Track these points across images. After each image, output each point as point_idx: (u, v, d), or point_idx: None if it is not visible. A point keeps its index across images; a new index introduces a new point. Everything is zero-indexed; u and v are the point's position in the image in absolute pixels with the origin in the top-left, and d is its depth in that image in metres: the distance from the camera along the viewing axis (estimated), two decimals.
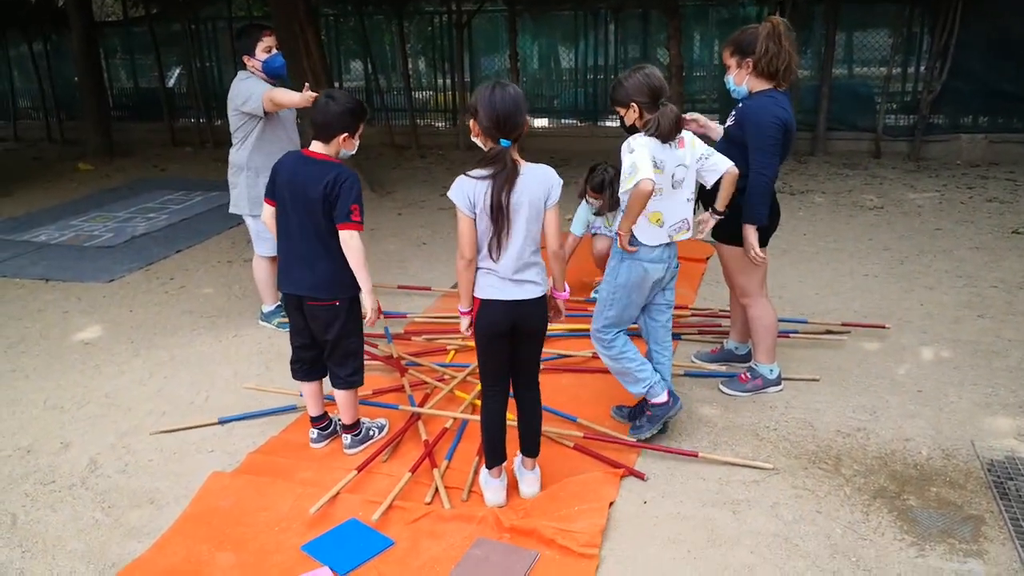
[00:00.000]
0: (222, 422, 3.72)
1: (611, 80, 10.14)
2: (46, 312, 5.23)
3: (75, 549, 2.87)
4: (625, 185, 3.03)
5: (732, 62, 3.54)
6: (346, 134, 3.14)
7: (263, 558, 2.79)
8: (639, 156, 3.01)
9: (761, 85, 3.49)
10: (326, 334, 3.23)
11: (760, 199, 3.48)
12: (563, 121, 11.03)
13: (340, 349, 3.27)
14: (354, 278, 3.14)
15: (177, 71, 12.37)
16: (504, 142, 2.66)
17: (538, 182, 2.74)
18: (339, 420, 3.47)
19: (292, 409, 3.79)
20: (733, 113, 3.60)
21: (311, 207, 3.07)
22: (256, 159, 4.50)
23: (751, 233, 3.51)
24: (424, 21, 11.15)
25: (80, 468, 3.40)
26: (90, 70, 10.74)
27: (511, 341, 2.86)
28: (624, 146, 3.09)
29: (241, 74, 4.43)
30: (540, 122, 11.05)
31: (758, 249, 3.52)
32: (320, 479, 3.19)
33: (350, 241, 3.08)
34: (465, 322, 2.90)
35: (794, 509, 2.98)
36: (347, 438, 3.41)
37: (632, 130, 3.17)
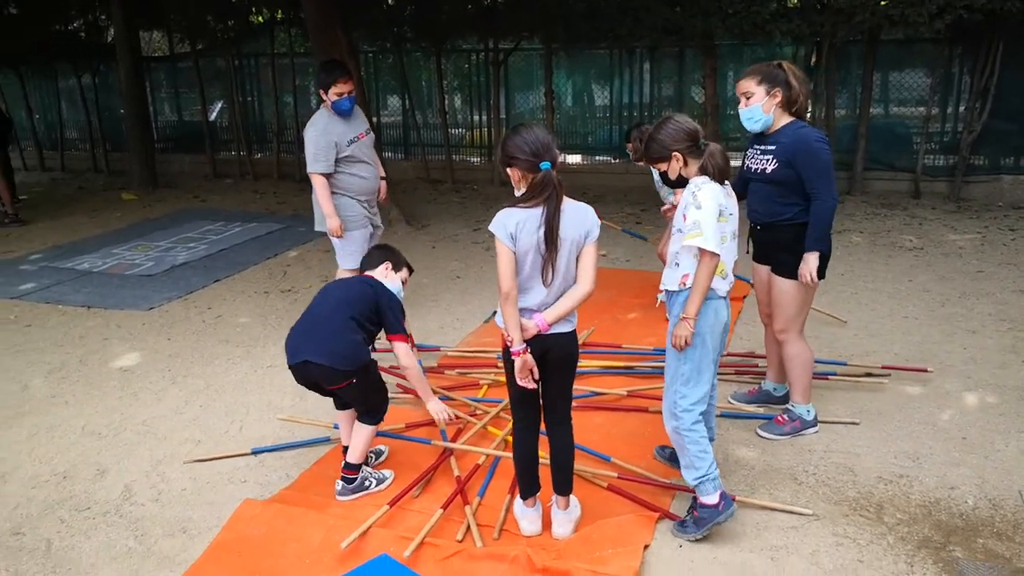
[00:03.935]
0: (255, 452, 3.73)
1: (641, 118, 10.19)
2: (87, 339, 5.32)
3: None
4: (685, 239, 2.92)
5: (760, 90, 3.46)
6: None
7: None
8: (706, 217, 2.86)
9: (786, 118, 3.50)
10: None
11: (826, 226, 3.50)
12: (597, 158, 11.07)
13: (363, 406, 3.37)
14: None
15: (219, 105, 12.64)
16: (545, 165, 2.67)
17: (578, 220, 2.75)
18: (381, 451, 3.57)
19: (326, 441, 3.80)
20: (762, 156, 3.56)
21: None
22: (344, 185, 4.84)
23: (814, 260, 3.49)
24: (461, 59, 11.30)
25: (115, 495, 3.42)
26: (136, 103, 11.02)
27: (541, 371, 2.85)
28: (688, 193, 2.95)
29: (315, 116, 4.83)
30: (574, 159, 11.10)
31: (815, 276, 3.49)
32: (351, 513, 3.18)
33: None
34: (518, 363, 2.77)
35: (835, 558, 2.90)
36: (339, 484, 3.34)
37: (679, 182, 3.06)
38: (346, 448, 3.41)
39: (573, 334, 2.87)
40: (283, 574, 2.86)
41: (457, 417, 3.93)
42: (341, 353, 3.16)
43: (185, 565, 2.94)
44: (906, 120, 9.61)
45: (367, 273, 3.49)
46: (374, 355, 3.41)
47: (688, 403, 3.03)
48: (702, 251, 2.88)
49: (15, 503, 3.37)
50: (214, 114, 12.59)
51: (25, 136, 13.38)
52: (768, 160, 3.54)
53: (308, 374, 3.23)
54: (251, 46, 11.96)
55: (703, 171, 2.95)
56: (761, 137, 3.60)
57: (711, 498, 2.99)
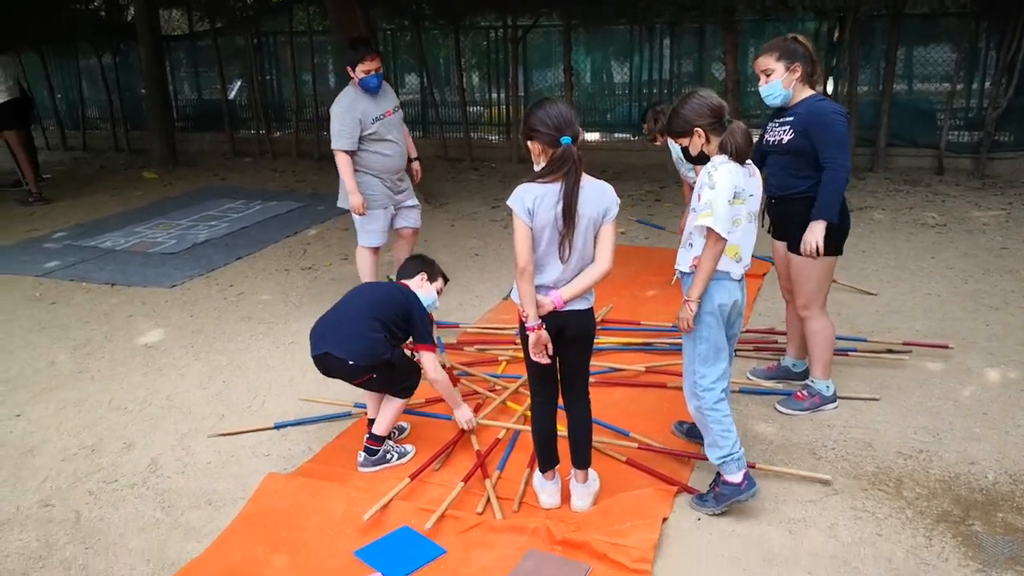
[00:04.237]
0: (278, 427, 3.78)
1: (660, 96, 10.11)
2: (111, 316, 5.39)
3: (135, 547, 2.95)
4: (697, 219, 2.89)
5: (779, 66, 3.46)
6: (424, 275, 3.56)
7: (317, 562, 2.82)
8: (718, 198, 2.82)
9: (805, 92, 3.50)
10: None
11: (836, 195, 3.49)
12: (616, 135, 11.00)
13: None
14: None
15: (239, 84, 12.66)
16: (565, 139, 2.66)
17: (596, 198, 2.75)
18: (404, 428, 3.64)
19: (347, 416, 3.84)
20: (779, 127, 3.55)
21: None
22: (366, 163, 4.86)
23: (820, 229, 3.47)
24: (479, 36, 11.25)
25: (142, 468, 3.49)
26: (156, 82, 11.06)
27: (557, 347, 2.86)
28: (704, 173, 2.91)
29: (342, 93, 4.86)
30: (593, 136, 11.04)
31: (821, 246, 3.48)
32: (373, 486, 3.22)
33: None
34: (533, 338, 2.79)
35: (853, 531, 2.91)
36: (362, 456, 3.40)
37: (700, 159, 3.03)
38: (371, 421, 3.46)
39: (590, 311, 2.88)
40: (307, 545, 2.91)
41: (476, 392, 3.98)
42: (361, 351, 3.23)
43: (212, 536, 3.00)
44: (930, 96, 9.46)
45: (402, 282, 3.53)
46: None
47: (708, 382, 3.02)
48: (710, 232, 2.84)
49: (44, 475, 3.45)
50: (233, 92, 12.62)
51: (47, 115, 13.47)
52: (785, 130, 3.53)
53: (329, 366, 3.30)
54: (270, 24, 11.95)
55: (723, 149, 2.91)
56: (781, 111, 3.59)
57: (735, 477, 2.99)
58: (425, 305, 3.47)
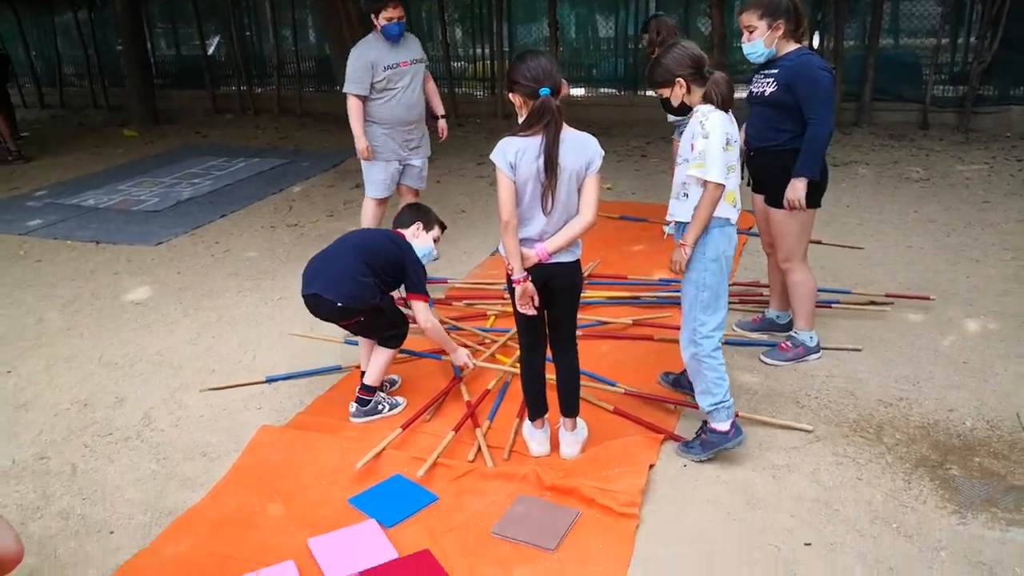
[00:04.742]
0: (269, 381, 3.81)
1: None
2: (97, 273, 5.37)
3: (132, 497, 2.99)
4: (691, 168, 2.89)
5: (761, 24, 3.45)
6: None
7: (311, 510, 2.88)
8: (712, 146, 2.82)
9: (790, 46, 3.51)
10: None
11: (818, 152, 3.52)
12: (602, 90, 10.94)
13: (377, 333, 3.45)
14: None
15: (217, 39, 12.45)
16: (544, 91, 2.67)
17: (579, 150, 2.75)
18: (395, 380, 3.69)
19: (337, 369, 3.88)
20: (764, 79, 3.56)
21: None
22: (372, 112, 4.85)
23: (801, 186, 3.51)
24: None
25: (135, 422, 3.52)
26: (133, 38, 10.87)
27: (544, 299, 2.90)
28: (695, 122, 2.89)
29: (361, 40, 4.85)
30: (579, 91, 10.98)
31: (804, 202, 3.52)
32: (365, 436, 3.27)
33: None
34: (519, 290, 2.83)
35: (834, 475, 2.99)
36: (353, 406, 3.45)
37: (681, 109, 3.04)
38: (363, 373, 3.49)
39: (576, 264, 2.90)
40: (302, 494, 2.97)
41: (466, 346, 4.01)
42: (348, 292, 3.24)
43: (207, 486, 3.04)
44: (915, 50, 9.46)
45: (398, 231, 3.52)
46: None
47: (708, 329, 3.04)
48: (706, 181, 2.86)
49: (39, 430, 3.47)
50: (212, 48, 12.41)
51: (23, 73, 13.23)
52: (769, 83, 3.54)
53: (318, 306, 3.31)
54: None
55: (707, 99, 2.91)
56: (767, 64, 3.59)
57: (723, 425, 3.05)
58: (422, 255, 3.47)
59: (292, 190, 7.44)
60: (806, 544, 2.65)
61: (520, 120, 2.78)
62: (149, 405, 3.65)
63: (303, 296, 3.35)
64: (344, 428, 3.38)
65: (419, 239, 3.51)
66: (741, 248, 5.29)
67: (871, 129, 8.81)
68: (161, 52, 13.13)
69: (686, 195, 3.01)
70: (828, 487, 2.93)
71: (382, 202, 5.08)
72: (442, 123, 5.20)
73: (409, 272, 3.38)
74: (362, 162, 4.95)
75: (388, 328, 3.40)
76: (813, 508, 2.82)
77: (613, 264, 5.11)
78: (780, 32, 3.47)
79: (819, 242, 5.22)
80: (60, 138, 10.42)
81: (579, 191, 2.80)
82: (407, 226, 3.54)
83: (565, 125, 2.73)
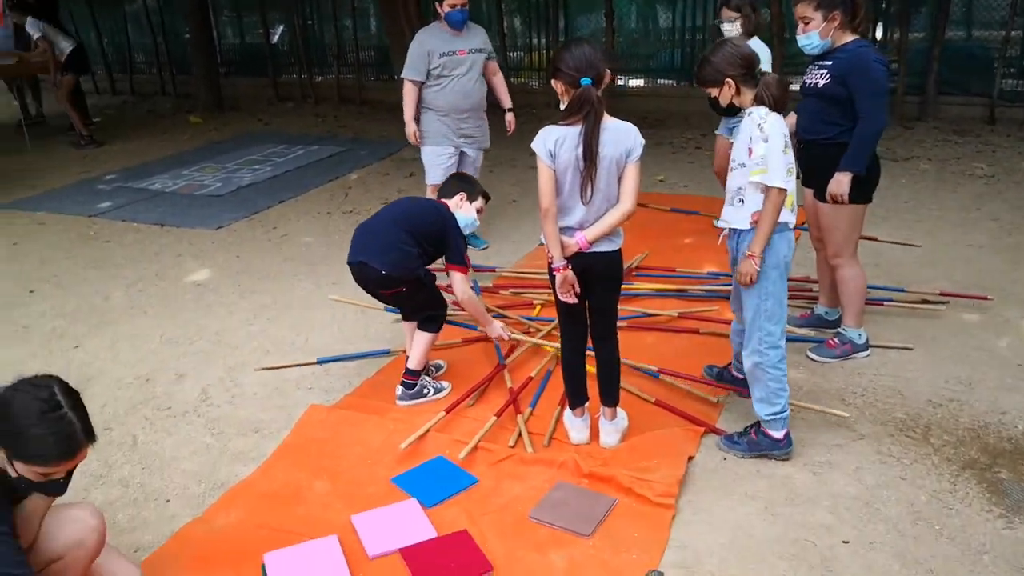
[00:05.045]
0: (320, 362, 3.93)
1: (704, 41, 9.91)
2: (162, 255, 5.58)
3: (188, 469, 3.13)
4: (753, 175, 2.83)
5: (817, 15, 3.40)
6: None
7: (356, 488, 2.97)
8: (772, 150, 2.76)
9: (847, 37, 3.45)
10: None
11: (866, 148, 3.47)
12: (660, 81, 10.85)
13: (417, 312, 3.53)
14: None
15: (281, 29, 12.70)
16: (584, 80, 2.69)
17: (619, 139, 2.76)
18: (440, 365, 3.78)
19: (386, 353, 3.97)
20: (817, 71, 3.52)
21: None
22: (427, 98, 5.01)
23: (845, 180, 3.47)
24: None
25: (193, 397, 3.67)
26: (200, 26, 11.17)
27: (585, 287, 2.93)
28: (751, 125, 2.82)
29: (426, 29, 5.00)
30: (636, 82, 10.92)
31: (847, 196, 3.48)
32: (410, 418, 3.36)
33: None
34: (559, 278, 2.87)
35: (877, 474, 2.97)
36: (399, 389, 3.53)
37: (730, 110, 2.98)
38: (407, 370, 3.58)
39: (616, 253, 2.92)
40: (347, 472, 3.07)
41: (511, 336, 4.07)
42: (392, 261, 3.30)
43: (258, 461, 3.16)
44: (983, 42, 9.15)
45: (442, 201, 3.59)
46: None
47: (775, 340, 2.99)
48: (768, 187, 2.80)
49: (103, 402, 3.65)
50: (276, 37, 12.66)
51: (96, 60, 13.67)
52: (822, 75, 3.50)
53: (364, 274, 3.39)
54: None
55: (759, 101, 2.85)
56: (821, 56, 3.55)
57: (778, 433, 3.03)
58: (464, 225, 3.51)
59: (349, 177, 7.58)
60: (844, 541, 2.64)
61: (562, 107, 2.82)
62: (207, 382, 3.80)
63: (349, 264, 3.44)
64: (390, 410, 3.47)
65: (462, 209, 3.55)
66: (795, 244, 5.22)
67: (935, 123, 8.57)
68: (226, 40, 13.46)
69: (741, 200, 2.94)
70: (870, 486, 2.91)
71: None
72: (509, 116, 5.26)
73: (450, 242, 3.42)
74: (420, 150, 5.02)
75: (427, 307, 3.46)
76: (853, 506, 2.80)
77: (662, 256, 5.10)
78: (836, 23, 3.42)
79: (874, 239, 5.12)
80: (130, 124, 10.77)
81: (619, 180, 2.82)
82: (451, 196, 3.58)
83: (606, 114, 2.75)
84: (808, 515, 2.76)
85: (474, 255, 5.30)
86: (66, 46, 8.91)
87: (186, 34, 12.09)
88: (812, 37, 3.46)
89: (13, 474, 1.92)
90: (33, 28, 8.80)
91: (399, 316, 3.84)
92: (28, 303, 4.79)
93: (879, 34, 8.87)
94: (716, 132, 5.34)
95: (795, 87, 3.77)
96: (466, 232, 3.54)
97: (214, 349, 4.14)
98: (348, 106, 11.30)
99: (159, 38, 12.94)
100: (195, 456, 3.21)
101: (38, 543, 2.12)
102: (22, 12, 9.06)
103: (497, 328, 3.70)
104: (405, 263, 3.32)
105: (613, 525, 2.73)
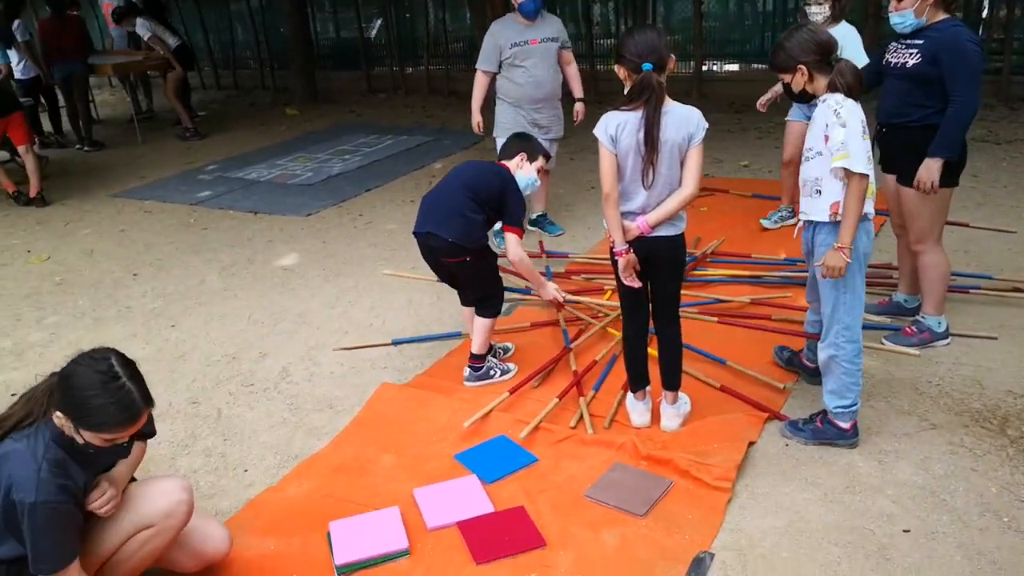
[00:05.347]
0: (395, 343, 4.08)
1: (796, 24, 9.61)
2: (254, 240, 5.87)
3: (266, 441, 3.33)
4: (834, 161, 2.75)
5: None
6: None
7: (420, 463, 3.10)
8: (851, 135, 2.69)
9: (939, 15, 3.31)
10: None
11: (960, 132, 3.34)
12: (752, 66, 10.59)
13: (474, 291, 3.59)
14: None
15: (379, 23, 13.00)
16: (646, 66, 2.71)
17: (681, 123, 2.76)
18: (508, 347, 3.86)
19: (457, 336, 4.09)
20: (906, 49, 3.39)
21: None
22: (501, 88, 5.15)
23: (936, 167, 3.35)
24: None
25: (274, 375, 3.88)
26: (298, 23, 11.59)
27: (647, 272, 2.95)
28: (827, 111, 2.77)
29: (499, 20, 5.10)
30: (727, 67, 10.70)
31: (937, 183, 3.36)
32: (475, 398, 3.46)
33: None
34: (622, 262, 2.92)
35: (946, 464, 2.88)
36: (467, 370, 3.61)
37: (803, 97, 2.92)
38: (473, 355, 3.66)
39: (679, 237, 2.93)
40: (413, 447, 3.19)
41: (579, 319, 4.12)
42: (459, 228, 3.34)
43: (331, 435, 3.33)
44: None
45: (502, 163, 3.60)
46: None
47: (853, 334, 2.93)
48: (850, 174, 2.72)
49: (192, 377, 3.90)
50: (374, 31, 12.98)
51: (202, 57, 14.37)
52: (912, 54, 3.37)
53: (429, 243, 3.46)
54: None
55: (832, 88, 2.78)
56: (909, 35, 3.42)
57: (845, 423, 2.99)
58: (524, 186, 3.54)
59: (433, 167, 7.75)
60: (904, 531, 2.59)
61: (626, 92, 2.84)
62: (288, 360, 4.01)
63: (415, 234, 3.51)
64: (458, 390, 3.58)
65: (523, 170, 3.56)
66: (877, 231, 5.06)
67: None
68: (324, 35, 13.90)
69: (818, 191, 2.87)
70: (938, 476, 2.83)
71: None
72: (579, 106, 5.27)
73: (509, 204, 3.44)
74: (497, 140, 5.12)
75: (485, 285, 3.51)
76: (918, 496, 2.74)
77: (740, 243, 5.04)
78: (931, 0, 3.30)
79: (966, 225, 4.92)
80: (232, 117, 11.30)
81: (682, 164, 2.82)
82: (511, 157, 3.59)
83: (668, 99, 2.76)
84: (869, 503, 2.72)
85: (548, 241, 5.36)
86: (172, 43, 9.43)
87: (284, 31, 12.56)
88: (907, 15, 3.33)
89: (80, 441, 2.08)
90: (143, 29, 9.35)
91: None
92: (131, 285, 5.15)
93: (984, 12, 8.40)
94: (787, 119, 5.15)
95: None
96: (526, 193, 3.56)
97: (296, 329, 4.35)
98: (436, 97, 11.51)
99: (260, 35, 13.48)
100: (273, 430, 3.41)
101: (132, 509, 2.31)
102: (131, 16, 9.63)
103: (551, 290, 3.71)
104: (471, 231, 3.36)
105: (668, 507, 2.75)
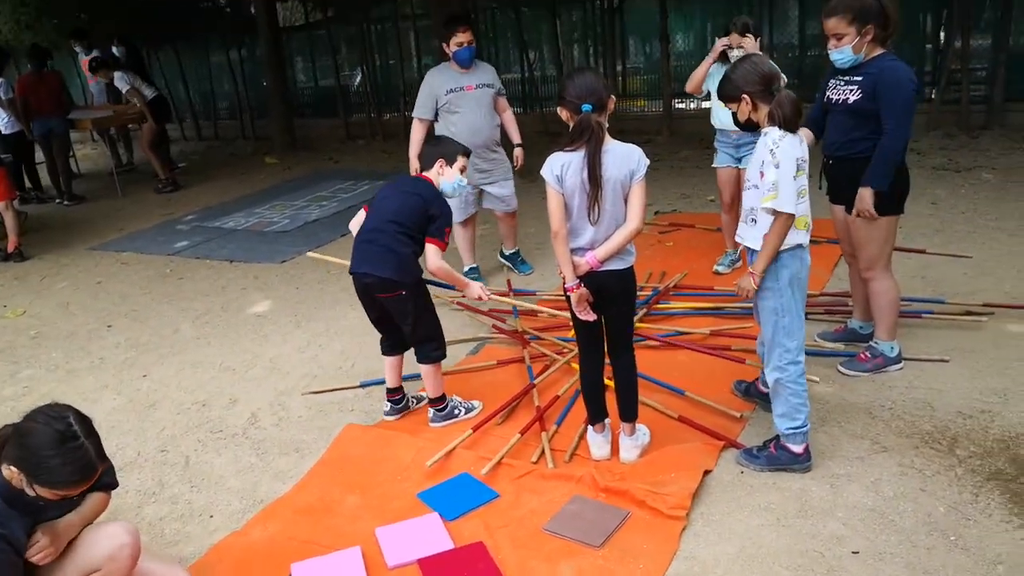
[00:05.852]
0: (363, 385, 4.14)
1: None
2: (228, 288, 5.94)
3: (233, 486, 3.36)
4: (764, 202, 2.87)
5: (851, 30, 3.39)
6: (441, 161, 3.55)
7: (384, 502, 3.14)
8: (783, 176, 2.82)
9: (876, 50, 3.45)
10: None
11: (889, 163, 3.45)
12: None
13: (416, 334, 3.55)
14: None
15: (359, 75, 13.22)
16: (585, 107, 2.82)
17: (622, 161, 2.87)
18: (422, 397, 3.83)
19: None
20: (846, 86, 3.52)
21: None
22: (435, 132, 5.15)
23: (868, 196, 3.47)
24: (577, 8, 11.33)
25: (243, 421, 3.92)
26: (276, 72, 11.80)
27: (599, 305, 3.04)
28: (764, 147, 2.89)
29: (435, 69, 5.19)
30: (693, 105, 10.93)
31: (873, 211, 3.48)
32: (440, 437, 3.51)
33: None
34: (574, 297, 3.00)
35: (896, 486, 2.95)
36: (431, 412, 3.66)
37: (748, 126, 3.06)
38: (389, 390, 3.74)
39: (628, 271, 3.02)
40: (378, 487, 3.24)
41: (544, 355, 4.19)
42: (392, 265, 3.35)
43: (297, 478, 3.37)
44: None
45: (423, 174, 3.58)
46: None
47: (793, 356, 3.03)
48: (777, 212, 2.85)
49: (162, 426, 3.94)
50: (356, 81, 13.18)
51: (183, 108, 14.55)
52: (852, 90, 3.50)
53: (364, 281, 3.44)
54: (380, 9, 12.46)
55: (771, 120, 2.91)
56: (848, 70, 3.55)
57: (797, 447, 3.06)
58: (451, 190, 3.53)
59: None
60: (853, 552, 2.65)
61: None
62: (257, 406, 4.05)
63: (352, 273, 3.48)
64: (423, 430, 3.64)
65: (444, 175, 3.54)
66: (837, 259, 5.17)
67: (1002, 132, 8.29)
68: (301, 83, 14.13)
69: (754, 220, 3.00)
70: (887, 497, 2.90)
71: (465, 224, 5.29)
72: (518, 151, 5.31)
73: (435, 218, 3.41)
74: None
75: (425, 324, 3.49)
76: (868, 518, 2.81)
77: (702, 276, 5.14)
78: (870, 37, 3.42)
79: (923, 251, 5.05)
80: (213, 166, 11.43)
81: (626, 200, 2.93)
82: (430, 166, 3.55)
83: (609, 137, 2.88)
84: (820, 526, 2.78)
85: (516, 279, 5.46)
86: (149, 94, 9.57)
87: (264, 82, 12.76)
88: (845, 51, 3.45)
89: (31, 494, 2.12)
90: (121, 82, 9.49)
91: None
92: (105, 336, 5.20)
93: (941, 41, 8.66)
94: (715, 166, 5.16)
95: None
96: (458, 195, 3.60)
97: (267, 375, 4.40)
98: None
99: (240, 86, 13.69)
100: (240, 475, 3.45)
101: (77, 554, 2.35)
102: (109, 69, 9.79)
103: (476, 289, 3.65)
104: (404, 265, 3.37)
105: (624, 537, 2.81)
